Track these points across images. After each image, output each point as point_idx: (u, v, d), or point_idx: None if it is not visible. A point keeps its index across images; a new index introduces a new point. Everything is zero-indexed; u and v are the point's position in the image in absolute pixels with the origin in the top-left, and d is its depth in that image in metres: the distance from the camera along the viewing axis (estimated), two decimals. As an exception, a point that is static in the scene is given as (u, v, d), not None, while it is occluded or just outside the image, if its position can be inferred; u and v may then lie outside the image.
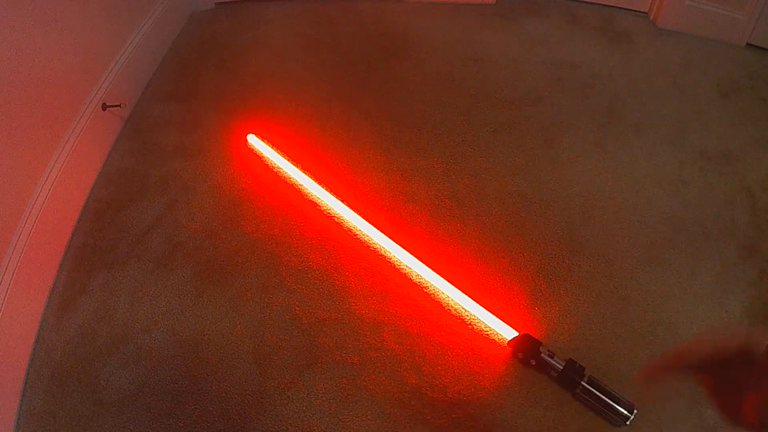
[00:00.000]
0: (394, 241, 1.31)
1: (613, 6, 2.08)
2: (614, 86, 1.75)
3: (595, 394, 1.03)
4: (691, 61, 1.85)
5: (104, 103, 1.50)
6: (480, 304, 1.19)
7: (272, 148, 1.56)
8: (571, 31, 1.98)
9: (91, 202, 1.45)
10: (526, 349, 1.10)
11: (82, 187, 1.44)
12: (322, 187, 1.44)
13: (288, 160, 1.52)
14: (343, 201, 1.40)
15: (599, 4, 2.09)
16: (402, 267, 1.29)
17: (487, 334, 1.18)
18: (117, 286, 1.27)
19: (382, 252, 1.32)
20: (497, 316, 1.17)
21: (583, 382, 1.04)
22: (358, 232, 1.36)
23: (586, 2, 2.10)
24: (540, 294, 1.24)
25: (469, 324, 1.19)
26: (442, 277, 1.24)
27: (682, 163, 1.52)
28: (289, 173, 1.50)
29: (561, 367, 1.07)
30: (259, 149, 1.57)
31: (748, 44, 1.89)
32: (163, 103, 1.72)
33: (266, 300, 1.23)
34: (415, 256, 1.28)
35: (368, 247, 1.33)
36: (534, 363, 1.10)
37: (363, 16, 2.07)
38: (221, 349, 1.16)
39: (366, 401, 1.08)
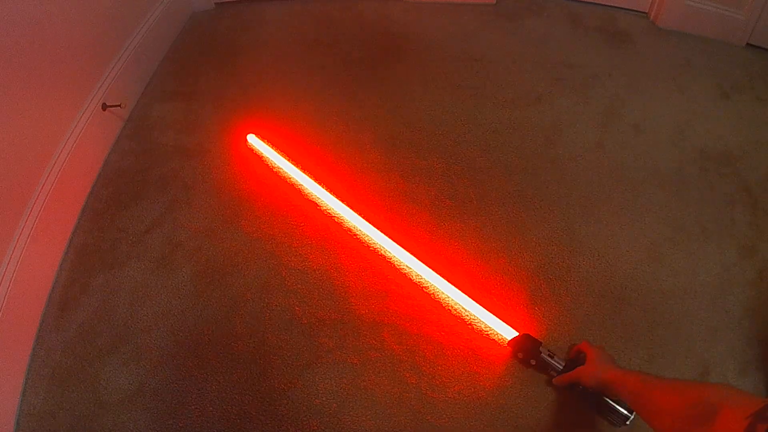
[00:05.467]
0: (394, 241, 1.31)
1: (613, 6, 2.08)
2: (614, 86, 1.75)
3: (595, 394, 1.02)
4: (691, 61, 1.85)
5: (104, 103, 1.50)
6: (480, 304, 1.19)
7: (272, 148, 1.56)
8: (571, 31, 1.98)
9: (91, 202, 1.45)
10: (526, 349, 1.10)
11: (82, 187, 1.44)
12: (322, 187, 1.44)
13: (288, 160, 1.52)
14: (343, 201, 1.40)
15: (599, 4, 2.09)
16: (402, 267, 1.29)
17: (487, 334, 1.18)
18: (117, 286, 1.27)
19: (382, 252, 1.32)
20: (497, 316, 1.17)
21: (583, 382, 1.04)
22: (358, 232, 1.36)
23: (586, 2, 2.11)
24: (540, 294, 1.24)
25: (469, 324, 1.19)
26: (442, 277, 1.24)
27: (682, 163, 1.52)
28: (289, 173, 1.50)
29: (561, 367, 1.07)
30: (259, 149, 1.57)
31: (748, 44, 1.89)
32: (163, 103, 1.72)
33: (266, 300, 1.23)
34: (415, 256, 1.28)
35: (368, 247, 1.33)
36: (534, 363, 1.10)
37: (363, 16, 2.07)
38: (221, 349, 1.16)
39: (366, 401, 1.08)
